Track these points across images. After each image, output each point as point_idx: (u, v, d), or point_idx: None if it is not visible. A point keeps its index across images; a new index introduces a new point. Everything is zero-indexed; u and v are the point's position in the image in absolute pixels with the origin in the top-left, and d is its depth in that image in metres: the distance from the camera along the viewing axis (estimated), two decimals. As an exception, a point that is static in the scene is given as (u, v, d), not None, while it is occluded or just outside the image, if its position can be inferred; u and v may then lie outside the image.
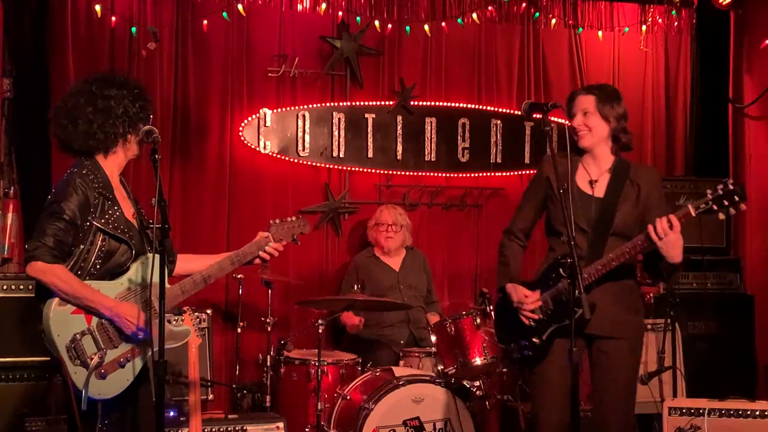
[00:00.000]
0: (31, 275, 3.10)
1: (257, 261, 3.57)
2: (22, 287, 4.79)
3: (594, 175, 3.75)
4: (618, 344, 3.68)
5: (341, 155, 6.33)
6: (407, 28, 6.42)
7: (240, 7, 5.96)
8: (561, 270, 3.67)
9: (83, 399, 3.05)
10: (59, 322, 3.10)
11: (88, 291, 3.11)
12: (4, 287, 4.78)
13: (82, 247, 3.16)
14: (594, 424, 3.75)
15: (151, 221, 3.24)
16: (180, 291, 3.37)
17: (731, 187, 3.41)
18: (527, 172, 6.63)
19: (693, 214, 3.44)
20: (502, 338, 4.02)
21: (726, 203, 3.41)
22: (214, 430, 4.58)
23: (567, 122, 3.82)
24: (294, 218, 3.58)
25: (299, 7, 6.23)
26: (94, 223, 3.16)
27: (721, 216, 3.43)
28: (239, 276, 5.51)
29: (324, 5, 6.15)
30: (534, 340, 3.73)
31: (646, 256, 3.69)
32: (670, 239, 3.43)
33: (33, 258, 3.08)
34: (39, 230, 3.13)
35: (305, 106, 6.27)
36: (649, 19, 6.90)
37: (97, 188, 3.19)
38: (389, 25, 6.40)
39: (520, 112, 6.59)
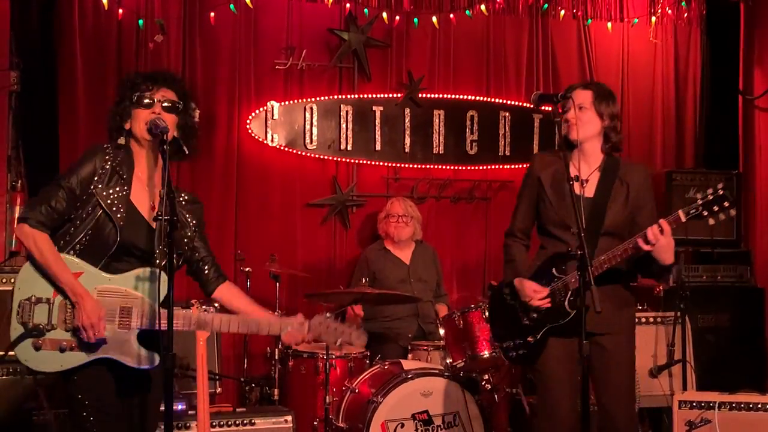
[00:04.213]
0: (16, 236, 3.18)
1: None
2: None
3: (584, 174, 3.72)
4: (615, 339, 3.69)
5: (349, 148, 6.31)
6: (415, 19, 6.40)
7: (247, -1, 5.95)
8: (554, 270, 3.69)
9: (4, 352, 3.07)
10: (26, 278, 3.11)
11: (60, 267, 3.08)
12: (12, 280, 4.75)
13: (77, 213, 3.15)
14: (600, 418, 3.75)
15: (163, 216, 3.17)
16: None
17: (721, 192, 3.39)
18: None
19: (683, 220, 3.43)
20: (498, 335, 4.00)
21: (716, 209, 3.39)
22: (222, 423, 4.58)
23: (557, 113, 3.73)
24: (351, 325, 3.32)
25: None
26: (95, 191, 3.14)
27: (711, 221, 3.41)
28: (247, 269, 5.50)
29: (331, -3, 6.13)
30: (529, 339, 3.74)
31: (638, 258, 3.65)
32: (661, 244, 3.44)
33: (21, 220, 3.13)
34: (39, 195, 3.18)
35: (313, 99, 6.25)
36: (659, 11, 6.87)
37: (110, 160, 3.18)
38: (397, 17, 6.37)
39: (528, 104, 6.59)
